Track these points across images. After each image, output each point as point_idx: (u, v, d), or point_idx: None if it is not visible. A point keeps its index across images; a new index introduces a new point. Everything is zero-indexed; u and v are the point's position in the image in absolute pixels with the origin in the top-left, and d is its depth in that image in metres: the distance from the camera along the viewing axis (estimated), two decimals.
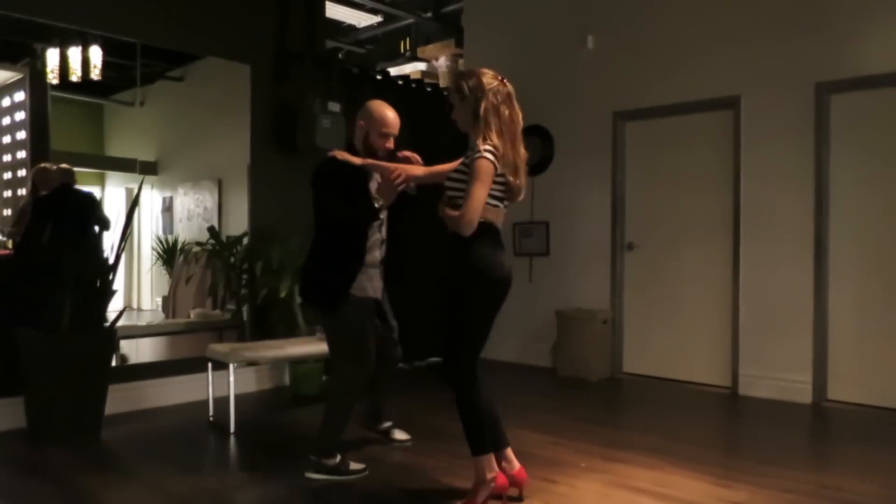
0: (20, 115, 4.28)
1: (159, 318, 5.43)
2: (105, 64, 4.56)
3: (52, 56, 4.37)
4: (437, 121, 6.35)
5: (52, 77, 4.36)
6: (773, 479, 3.16)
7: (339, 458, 3.20)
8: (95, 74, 4.54)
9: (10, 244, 4.24)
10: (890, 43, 4.45)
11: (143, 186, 4.67)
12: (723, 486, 3.07)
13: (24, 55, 4.35)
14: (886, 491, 3.05)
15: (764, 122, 4.96)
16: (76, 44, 4.42)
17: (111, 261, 4.02)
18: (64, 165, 4.49)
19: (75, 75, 4.45)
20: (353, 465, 3.22)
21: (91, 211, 4.60)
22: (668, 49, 5.41)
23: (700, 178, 5.35)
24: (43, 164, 4.37)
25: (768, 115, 4.93)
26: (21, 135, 4.26)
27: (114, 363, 4.25)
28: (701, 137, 5.35)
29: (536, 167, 6.19)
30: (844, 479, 3.19)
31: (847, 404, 4.63)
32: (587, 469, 3.31)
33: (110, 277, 4.01)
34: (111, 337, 4.06)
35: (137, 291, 5.49)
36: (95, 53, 4.50)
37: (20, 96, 4.29)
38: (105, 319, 4.06)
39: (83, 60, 4.47)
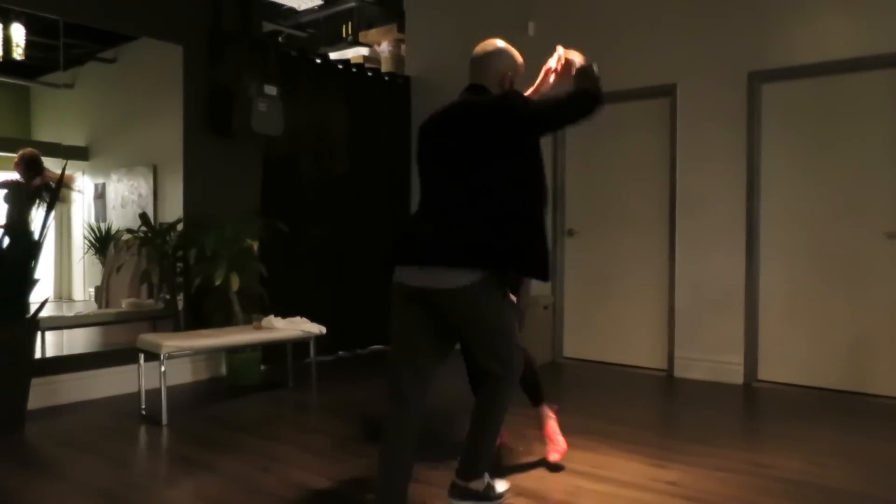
0: None
1: (91, 308, 5.23)
2: (30, 44, 4.34)
3: None
4: (378, 105, 6.32)
5: None
6: (705, 458, 3.24)
7: (486, 479, 2.59)
8: (18, 54, 4.32)
9: None
10: (817, 33, 4.58)
11: (76, 173, 4.50)
12: (656, 467, 3.13)
13: None
14: (812, 467, 3.15)
15: (699, 110, 5.05)
16: None
17: (32, 249, 3.85)
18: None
19: None
20: (499, 486, 2.67)
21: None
22: (607, 37, 5.45)
23: (638, 165, 5.42)
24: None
25: (703, 103, 5.03)
26: None
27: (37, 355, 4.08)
28: (639, 125, 5.42)
29: None
30: (773, 457, 3.28)
31: (776, 384, 4.78)
32: (525, 452, 3.34)
33: (32, 266, 3.84)
34: (33, 328, 3.89)
35: (69, 282, 5.28)
36: (18, 32, 4.29)
37: None
38: (27, 310, 3.89)
39: (4, 39, 4.26)
